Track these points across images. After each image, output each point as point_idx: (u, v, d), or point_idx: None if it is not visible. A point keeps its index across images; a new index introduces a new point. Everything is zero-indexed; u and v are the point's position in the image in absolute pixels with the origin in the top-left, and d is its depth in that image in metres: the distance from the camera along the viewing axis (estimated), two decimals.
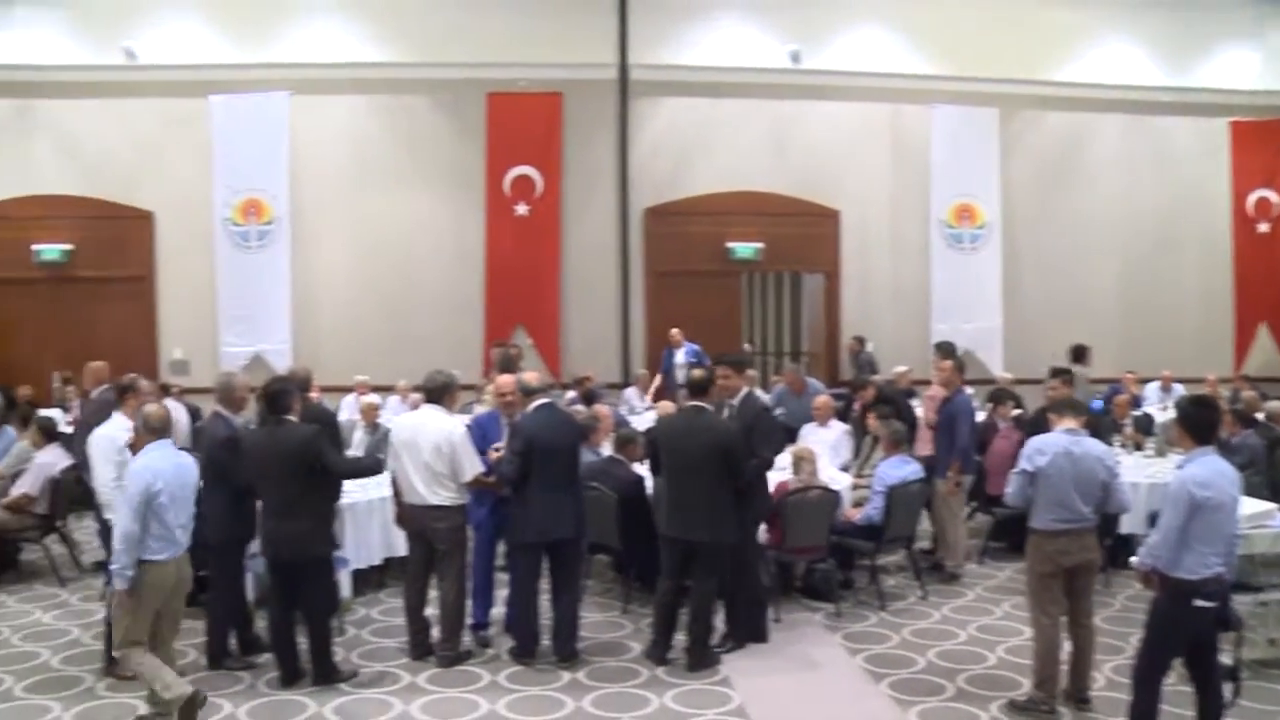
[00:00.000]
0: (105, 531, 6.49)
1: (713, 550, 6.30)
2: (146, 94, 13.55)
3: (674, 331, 13.16)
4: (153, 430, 5.71)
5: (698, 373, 6.61)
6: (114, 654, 5.83)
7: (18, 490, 8.53)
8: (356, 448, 10.03)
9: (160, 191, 13.63)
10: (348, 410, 11.60)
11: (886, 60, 14.33)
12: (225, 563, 6.48)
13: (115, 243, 13.69)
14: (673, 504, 6.34)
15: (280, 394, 6.23)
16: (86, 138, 13.68)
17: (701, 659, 6.38)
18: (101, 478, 6.49)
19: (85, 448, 8.90)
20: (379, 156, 13.75)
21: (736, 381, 6.96)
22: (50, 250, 13.62)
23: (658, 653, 6.48)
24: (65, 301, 13.67)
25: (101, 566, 8.77)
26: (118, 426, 6.59)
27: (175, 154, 13.56)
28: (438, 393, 6.62)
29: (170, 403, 11.23)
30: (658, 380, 12.99)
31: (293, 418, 6.23)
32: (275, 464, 6.04)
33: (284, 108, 13.41)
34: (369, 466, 6.76)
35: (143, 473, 5.49)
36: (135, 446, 5.94)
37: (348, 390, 12.13)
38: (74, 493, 8.94)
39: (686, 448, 6.30)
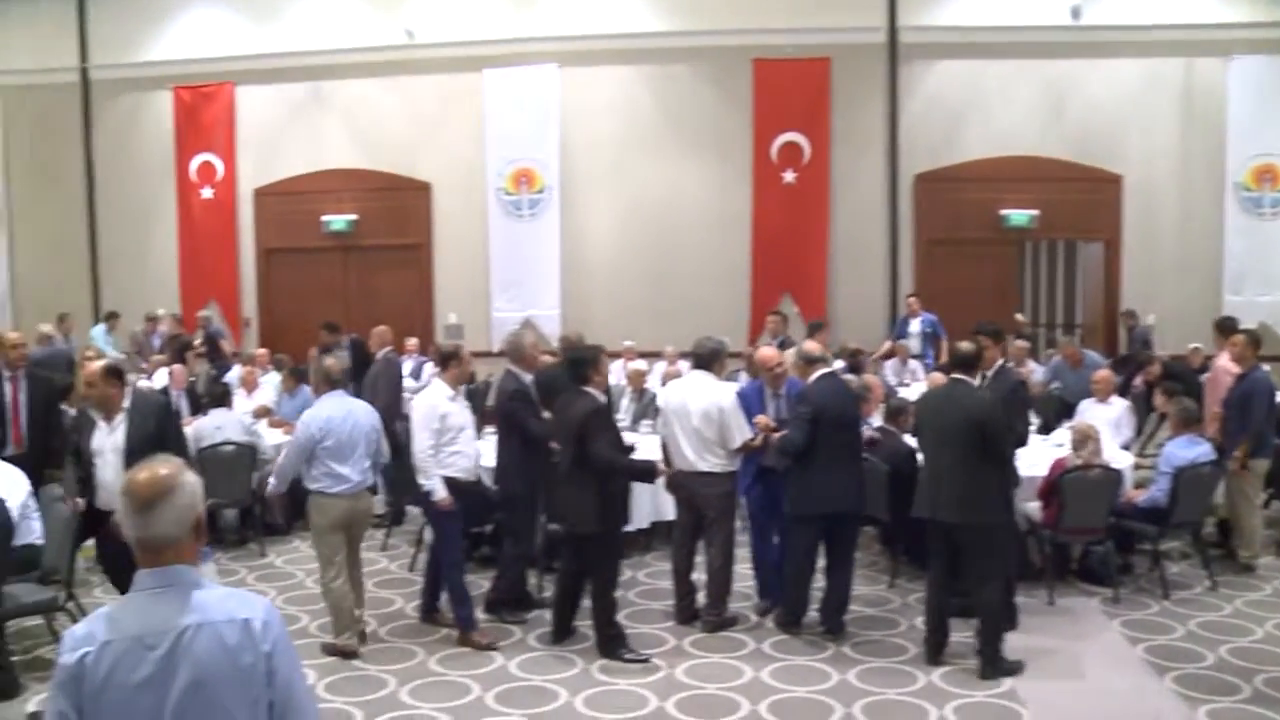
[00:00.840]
0: (420, 499, 6.47)
1: (977, 534, 5.72)
2: (425, 71, 14.08)
3: (910, 299, 12.75)
4: (330, 382, 6.29)
5: (966, 345, 6.11)
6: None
7: None
8: (624, 414, 10.09)
9: (437, 163, 14.16)
10: (615, 375, 11.72)
11: (1178, 9, 13.37)
12: (516, 513, 6.64)
13: (396, 213, 14.33)
14: (928, 482, 5.91)
15: (579, 363, 6.19)
16: (370, 114, 14.35)
17: (994, 665, 5.72)
18: (419, 444, 6.23)
19: (371, 405, 9.43)
20: (646, 125, 13.83)
21: (992, 352, 6.66)
22: (338, 221, 14.40)
23: (929, 650, 5.94)
24: (351, 269, 14.45)
25: (381, 519, 9.12)
26: (438, 394, 6.39)
27: (451, 127, 14.03)
28: (707, 359, 6.56)
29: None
30: (885, 346, 12.57)
31: (592, 389, 6.09)
32: (563, 431, 6.13)
33: (554, 79, 13.67)
34: (638, 470, 6.32)
35: (312, 421, 6.07)
36: (316, 392, 6.51)
37: (615, 356, 12.23)
38: None
39: (942, 422, 5.84)
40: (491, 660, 6.09)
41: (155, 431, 5.66)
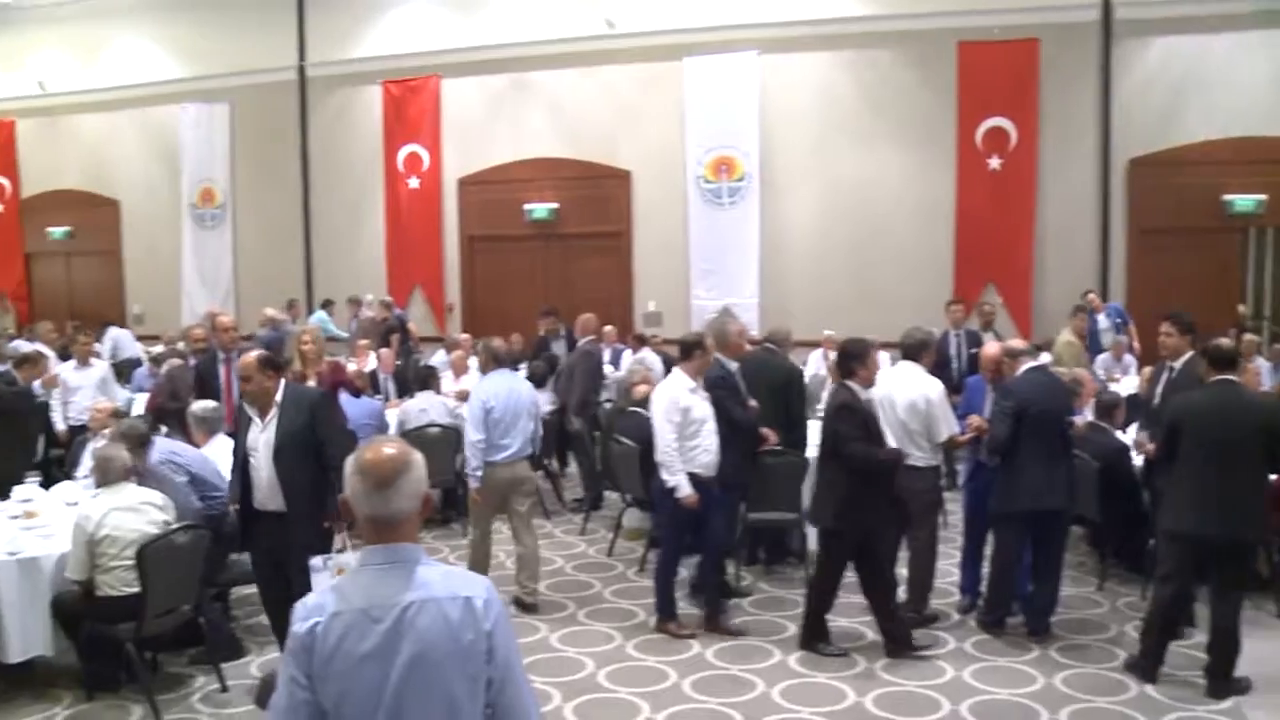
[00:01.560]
0: (661, 493, 6.34)
1: (1240, 550, 5.44)
2: (625, 60, 14.26)
3: (1090, 295, 12.19)
4: (496, 360, 7.04)
5: (1225, 342, 5.68)
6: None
7: None
8: (824, 403, 10.01)
9: (637, 151, 14.33)
10: (815, 365, 11.68)
11: None
12: (720, 497, 6.58)
13: (596, 201, 14.60)
14: (1194, 496, 5.38)
15: (847, 355, 6.07)
16: (571, 104, 14.63)
17: (1225, 683, 5.41)
18: (663, 439, 6.17)
19: (567, 393, 9.70)
20: (847, 112, 13.66)
21: (1177, 341, 6.38)
22: (540, 209, 14.76)
23: (1146, 668, 5.60)
24: (551, 256, 14.80)
25: (579, 504, 9.48)
26: (679, 385, 6.29)
27: (651, 115, 14.17)
28: (915, 350, 6.48)
29: (647, 352, 11.89)
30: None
31: (855, 384, 5.98)
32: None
33: (754, 66, 13.64)
34: (888, 460, 6.07)
35: (480, 394, 6.84)
36: (483, 370, 7.21)
37: (814, 345, 12.20)
38: (558, 433, 9.83)
39: (1224, 432, 5.35)
40: (689, 647, 6.17)
41: (305, 429, 5.38)
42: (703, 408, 6.26)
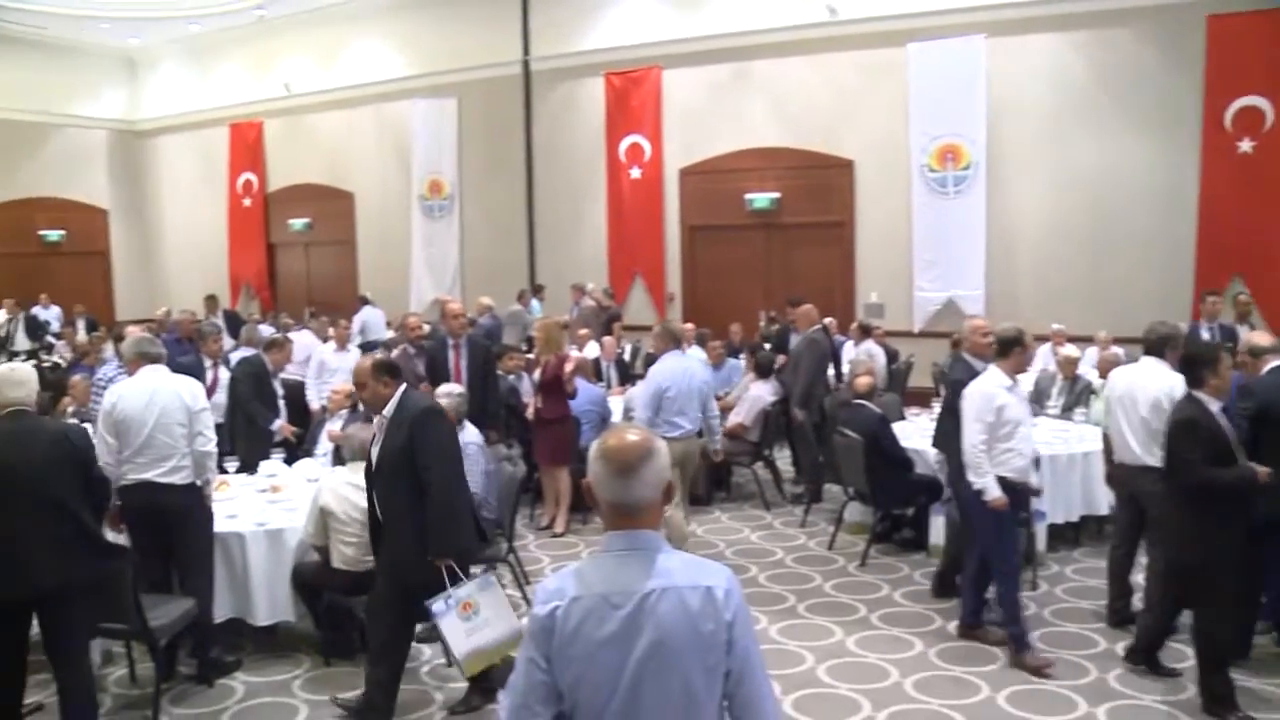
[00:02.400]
0: (970, 500, 5.94)
1: None
2: (847, 47, 14.14)
3: None
4: (674, 340, 7.55)
5: None
6: None
7: (734, 419, 9.44)
8: (1054, 402, 9.76)
9: (860, 140, 14.20)
10: (1043, 360, 11.39)
11: None
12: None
13: (818, 190, 14.56)
14: None
15: (1194, 361, 5.35)
16: (792, 93, 14.62)
17: None
18: (971, 437, 5.79)
19: (792, 383, 9.72)
20: (1078, 95, 13.14)
21: None
22: (761, 198, 14.87)
23: None
24: (772, 246, 14.91)
25: (800, 496, 9.53)
26: (994, 382, 5.88)
27: (874, 103, 14.01)
28: (1159, 344, 6.09)
29: (870, 344, 11.85)
30: None
31: (1204, 395, 5.26)
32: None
33: (981, 51, 13.30)
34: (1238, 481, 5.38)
35: (657, 375, 7.32)
36: (656, 352, 7.69)
37: (1043, 340, 11.89)
38: (780, 424, 9.90)
39: None
40: (911, 647, 6.14)
41: (403, 448, 4.80)
42: (1019, 408, 5.91)
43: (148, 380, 5.70)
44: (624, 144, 15.84)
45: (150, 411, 5.54)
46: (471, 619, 4.75)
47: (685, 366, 7.43)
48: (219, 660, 5.77)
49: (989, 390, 5.88)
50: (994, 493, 5.74)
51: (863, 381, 8.39)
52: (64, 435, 4.77)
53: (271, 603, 5.94)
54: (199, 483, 5.67)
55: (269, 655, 6.06)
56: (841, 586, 7.29)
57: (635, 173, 15.80)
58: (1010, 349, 5.93)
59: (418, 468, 4.78)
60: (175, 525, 5.58)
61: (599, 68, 15.92)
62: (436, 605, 4.69)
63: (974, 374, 6.17)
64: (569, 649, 2.32)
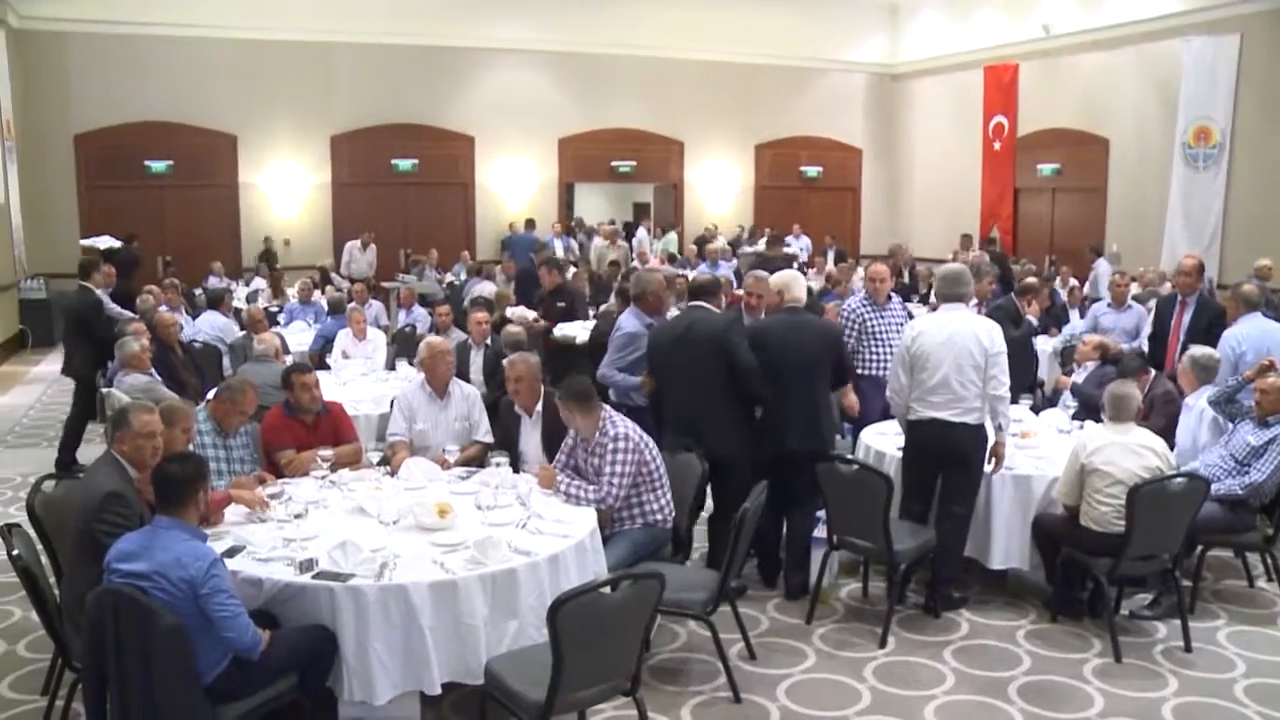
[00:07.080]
0: None
1: None
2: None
3: None
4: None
5: None
6: None
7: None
8: None
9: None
10: None
11: None
12: None
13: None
14: None
15: None
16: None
17: None
18: None
19: None
20: None
21: None
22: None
23: None
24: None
25: None
26: None
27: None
28: None
29: None
30: None
31: None
32: None
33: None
34: None
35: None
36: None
37: None
38: None
39: None
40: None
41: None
42: None
43: (947, 319, 5.80)
44: None
45: (948, 350, 5.64)
46: None
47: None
48: (948, 595, 5.95)
49: None
50: None
51: None
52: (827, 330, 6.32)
53: (1008, 548, 5.96)
54: (992, 426, 5.72)
55: (996, 599, 6.11)
56: None
57: None
58: None
59: None
60: (955, 462, 5.72)
61: None
62: None
63: None
64: None
